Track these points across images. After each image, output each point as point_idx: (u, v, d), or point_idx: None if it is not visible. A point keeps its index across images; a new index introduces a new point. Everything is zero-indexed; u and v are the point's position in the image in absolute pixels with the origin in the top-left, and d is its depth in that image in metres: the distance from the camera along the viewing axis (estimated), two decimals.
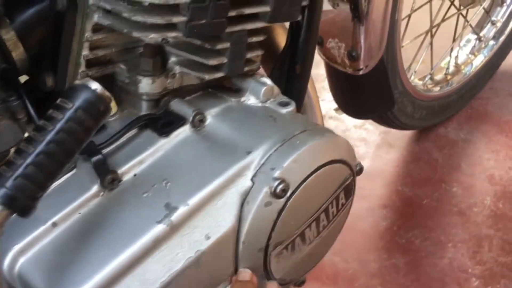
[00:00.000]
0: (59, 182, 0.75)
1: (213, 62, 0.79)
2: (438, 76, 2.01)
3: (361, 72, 1.43)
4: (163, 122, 0.83)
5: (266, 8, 0.79)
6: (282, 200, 0.77)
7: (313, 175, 0.80)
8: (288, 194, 0.77)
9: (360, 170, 0.90)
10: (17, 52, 0.73)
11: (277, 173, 0.76)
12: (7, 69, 0.73)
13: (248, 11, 0.77)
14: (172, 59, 0.84)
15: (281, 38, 1.02)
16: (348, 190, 0.89)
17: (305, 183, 0.79)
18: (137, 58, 0.82)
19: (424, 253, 1.72)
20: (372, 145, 2.07)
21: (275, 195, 0.75)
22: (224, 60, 0.81)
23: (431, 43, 1.87)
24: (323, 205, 0.85)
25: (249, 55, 0.84)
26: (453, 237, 1.77)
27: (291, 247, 0.82)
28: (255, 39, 0.84)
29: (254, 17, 0.79)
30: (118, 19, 0.71)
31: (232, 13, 0.75)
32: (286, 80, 1.01)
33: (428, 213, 1.86)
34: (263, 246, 0.78)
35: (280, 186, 0.75)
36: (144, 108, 0.85)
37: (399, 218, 1.81)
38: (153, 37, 0.71)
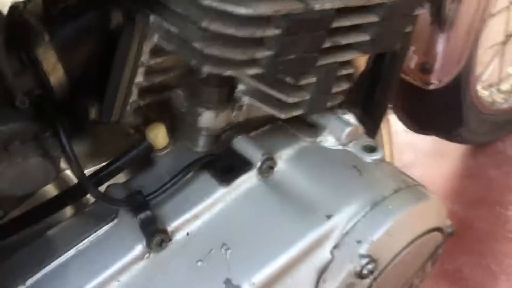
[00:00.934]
0: (94, 235, 0.61)
1: (293, 99, 0.64)
2: (505, 86, 1.81)
3: (431, 87, 1.25)
4: (223, 165, 0.68)
5: (365, 37, 0.63)
6: (368, 281, 0.62)
7: (406, 250, 0.64)
8: (375, 274, 0.62)
9: (451, 234, 0.74)
10: (56, 76, 0.58)
11: (364, 248, 0.61)
12: (42, 96, 0.58)
13: (345, 41, 0.61)
14: (241, 87, 0.68)
15: (358, 61, 0.86)
16: (436, 258, 0.74)
17: (395, 260, 0.64)
18: (199, 84, 0.67)
19: (473, 284, 1.57)
20: (422, 153, 1.89)
21: (360, 275, 0.60)
22: (307, 96, 0.65)
23: (502, 53, 1.67)
24: (409, 280, 0.70)
25: (335, 89, 0.68)
26: (506, 268, 1.61)
27: None
28: (344, 71, 0.67)
29: (349, 47, 0.63)
30: (186, 47, 0.55)
31: (327, 45, 0.59)
32: (361, 108, 0.84)
33: (480, 238, 1.70)
34: None
35: (368, 266, 0.60)
36: (201, 144, 0.70)
37: (448, 241, 1.66)
38: (229, 73, 0.55)
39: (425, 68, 1.22)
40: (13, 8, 0.56)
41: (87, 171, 0.75)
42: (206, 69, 0.55)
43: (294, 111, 0.66)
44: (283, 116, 0.65)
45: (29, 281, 0.58)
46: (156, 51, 0.60)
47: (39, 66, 0.57)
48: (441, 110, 1.39)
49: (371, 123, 0.85)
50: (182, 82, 0.68)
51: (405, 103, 1.41)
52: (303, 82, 0.63)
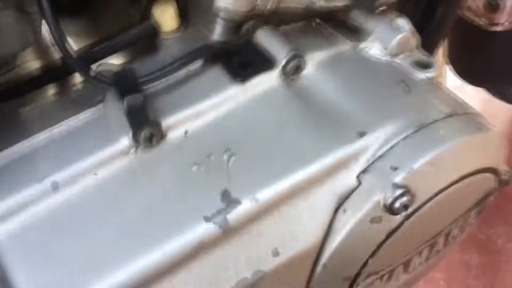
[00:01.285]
0: (73, 119, 0.51)
1: None
2: None
3: (498, 28, 1.07)
4: (241, 60, 0.55)
5: None
6: (398, 218, 0.50)
7: (451, 188, 0.52)
8: (409, 211, 0.49)
9: (506, 182, 0.61)
10: None
11: (400, 177, 0.48)
12: None
13: None
14: None
15: None
16: (483, 207, 0.61)
17: (435, 198, 0.51)
18: None
19: (506, 257, 1.45)
20: None
21: (391, 209, 0.48)
22: None
23: None
24: (447, 227, 0.57)
25: None
26: None
27: (388, 277, 0.56)
28: None
29: None
30: None
31: None
32: (419, 25, 0.69)
33: None
34: (351, 274, 0.52)
35: (403, 199, 0.48)
36: (218, 32, 0.57)
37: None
38: None
39: (491, 4, 1.04)
40: None
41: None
42: None
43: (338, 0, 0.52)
44: (322, 2, 0.52)
45: None
46: None
47: None
48: (504, 58, 1.21)
49: (426, 44, 0.71)
50: None
51: (462, 45, 1.23)
52: None
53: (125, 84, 0.50)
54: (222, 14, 0.55)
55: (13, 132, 0.51)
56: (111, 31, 0.62)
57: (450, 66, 1.25)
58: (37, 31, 0.50)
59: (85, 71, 0.49)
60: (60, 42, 0.47)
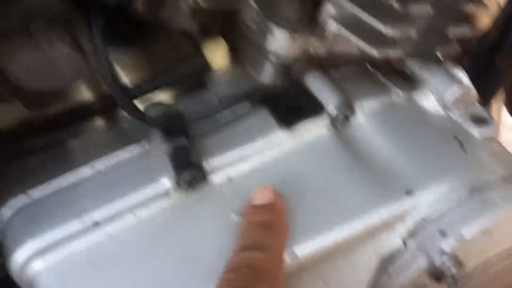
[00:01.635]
0: (117, 156, 0.51)
1: (395, 31, 0.48)
2: None
3: None
4: (289, 104, 0.54)
5: None
6: (443, 287, 0.47)
7: (502, 256, 0.48)
8: (456, 281, 0.46)
9: None
10: None
11: (449, 244, 0.46)
12: None
13: None
14: (329, 8, 0.53)
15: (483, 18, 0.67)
16: None
17: (487, 270, 0.48)
18: None
19: None
20: None
21: (436, 277, 0.46)
22: (412, 32, 0.49)
23: None
24: None
25: (453, 31, 0.51)
26: None
27: None
28: (471, 8, 0.50)
29: None
30: None
31: None
32: (476, 76, 0.66)
33: None
34: None
35: (449, 267, 0.45)
36: (267, 74, 0.56)
37: None
38: None
39: None
40: None
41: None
42: None
43: (392, 49, 0.51)
44: (376, 52, 0.50)
45: (33, 192, 0.49)
46: None
47: None
48: None
49: (483, 95, 0.68)
50: None
51: None
52: (414, 9, 0.46)
53: (171, 125, 0.49)
54: (272, 58, 0.55)
55: (59, 164, 0.51)
56: (163, 64, 0.63)
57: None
58: (89, 65, 0.50)
59: (133, 112, 0.48)
60: (112, 82, 0.48)
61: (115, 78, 0.49)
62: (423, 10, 0.47)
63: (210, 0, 0.51)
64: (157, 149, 0.50)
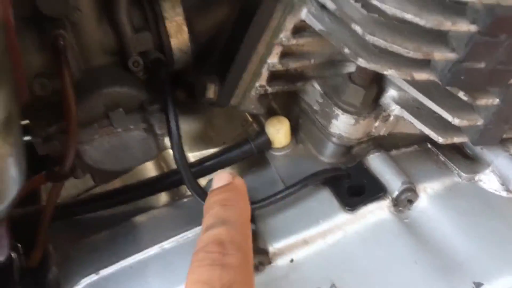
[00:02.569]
0: (183, 236, 0.52)
1: (462, 122, 0.48)
2: None
3: None
4: (351, 185, 0.55)
5: None
6: None
7: None
8: None
9: None
10: (179, 39, 0.49)
11: None
12: (159, 61, 0.49)
13: None
14: (392, 92, 0.54)
15: None
16: None
17: None
18: (342, 78, 0.54)
19: None
20: None
21: None
22: (479, 121, 0.49)
23: None
24: None
25: None
26: None
27: None
28: None
29: None
30: (341, 29, 0.43)
31: None
32: None
33: None
34: None
35: None
36: (329, 153, 0.57)
37: None
38: (391, 73, 0.41)
39: None
40: None
41: (192, 155, 0.66)
42: (362, 63, 0.42)
43: (457, 137, 0.51)
44: (441, 140, 0.50)
45: (103, 271, 0.50)
46: (300, 29, 0.49)
47: (162, 25, 0.47)
48: None
49: None
50: (322, 73, 0.55)
51: None
52: (482, 102, 0.47)
53: None
54: (334, 140, 0.56)
55: (128, 241, 0.52)
56: (225, 139, 0.65)
57: None
58: (160, 148, 0.52)
59: (199, 194, 0.50)
60: (181, 164, 0.49)
61: (184, 159, 0.50)
62: (491, 101, 0.47)
63: (278, 83, 0.53)
64: None
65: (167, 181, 0.56)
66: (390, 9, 0.37)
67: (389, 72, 0.42)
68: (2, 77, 0.28)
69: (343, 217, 0.52)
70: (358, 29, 0.40)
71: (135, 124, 0.49)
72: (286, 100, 0.60)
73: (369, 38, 0.40)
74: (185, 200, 0.57)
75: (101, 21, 0.46)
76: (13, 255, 0.54)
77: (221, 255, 0.37)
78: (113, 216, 0.57)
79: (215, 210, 0.42)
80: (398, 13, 0.37)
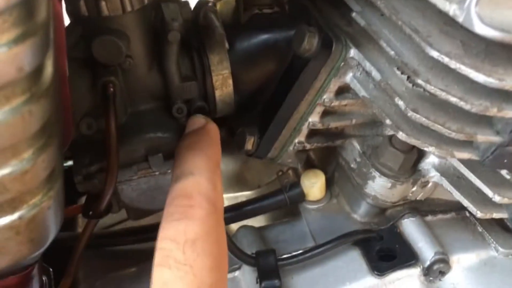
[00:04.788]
0: None
1: (502, 199, 0.47)
2: None
3: None
4: (382, 247, 0.54)
5: None
6: None
7: None
8: None
9: None
10: (223, 92, 0.49)
11: None
12: (202, 110, 0.50)
13: None
14: (432, 158, 0.53)
15: None
16: None
17: None
18: (382, 140, 0.54)
19: None
20: None
21: None
22: None
23: None
24: None
25: None
26: None
27: None
28: None
29: None
30: (384, 100, 0.43)
31: None
32: None
33: None
34: None
35: None
36: (362, 212, 0.57)
37: None
38: (431, 150, 0.41)
39: None
40: (201, 4, 0.48)
41: (226, 196, 0.66)
42: (403, 136, 0.41)
43: (496, 213, 0.50)
44: (479, 215, 0.49)
45: None
46: (343, 90, 0.49)
47: (209, 77, 0.48)
48: None
49: None
50: (362, 133, 0.55)
51: None
52: None
53: (264, 265, 0.50)
54: (369, 200, 0.55)
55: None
56: (259, 183, 0.65)
57: None
58: None
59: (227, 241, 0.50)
60: None
61: None
62: None
63: (318, 140, 0.53)
64: (248, 282, 0.51)
65: None
66: (435, 91, 0.37)
67: (430, 149, 0.41)
68: (52, 135, 0.29)
69: (371, 281, 0.52)
70: (401, 103, 0.40)
71: (171, 168, 0.50)
72: (325, 151, 0.60)
73: (411, 114, 0.40)
74: None
75: (151, 68, 0.48)
76: (44, 279, 0.56)
77: (188, 208, 0.36)
78: (143, 251, 0.58)
79: (184, 158, 0.41)
80: (443, 95, 0.37)
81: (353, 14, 0.45)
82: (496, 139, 0.39)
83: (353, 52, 0.45)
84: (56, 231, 0.36)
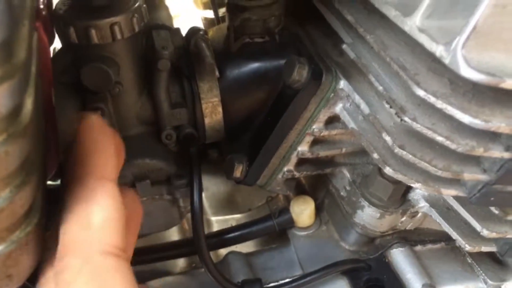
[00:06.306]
0: None
1: (491, 234, 0.46)
2: None
3: None
4: (369, 277, 0.53)
5: None
6: None
7: None
8: None
9: None
10: (212, 119, 0.49)
11: None
12: (191, 137, 0.49)
13: None
14: (422, 191, 0.53)
15: None
16: None
17: None
18: (371, 169, 0.53)
19: None
20: None
21: None
22: (510, 235, 0.47)
23: None
24: None
25: None
26: None
27: None
28: None
29: None
30: (372, 134, 0.43)
31: None
32: None
33: None
34: None
35: None
36: (351, 241, 0.57)
37: None
38: (417, 187, 0.41)
39: None
40: (192, 31, 0.48)
41: (215, 219, 0.66)
42: (389, 172, 0.41)
43: (485, 247, 0.49)
44: (467, 248, 0.49)
45: None
46: (333, 120, 0.49)
47: (199, 105, 0.48)
48: None
49: None
50: (352, 161, 0.55)
51: None
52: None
53: None
54: (358, 229, 0.55)
55: None
56: (248, 207, 0.65)
57: None
58: (182, 217, 0.53)
59: (213, 269, 0.50)
60: (199, 241, 0.50)
61: (203, 238, 0.51)
62: None
63: (307, 169, 0.53)
64: None
65: (184, 250, 0.57)
66: (422, 129, 0.37)
67: (417, 186, 0.41)
68: (31, 172, 0.29)
69: None
70: (388, 139, 0.40)
71: (160, 195, 0.50)
72: (316, 177, 0.60)
73: (398, 151, 0.39)
74: (202, 270, 0.57)
75: (141, 94, 0.48)
76: None
77: None
78: None
79: None
80: (430, 134, 0.37)
81: (344, 46, 0.45)
82: (483, 177, 0.39)
83: (343, 83, 0.45)
84: (35, 264, 0.35)
